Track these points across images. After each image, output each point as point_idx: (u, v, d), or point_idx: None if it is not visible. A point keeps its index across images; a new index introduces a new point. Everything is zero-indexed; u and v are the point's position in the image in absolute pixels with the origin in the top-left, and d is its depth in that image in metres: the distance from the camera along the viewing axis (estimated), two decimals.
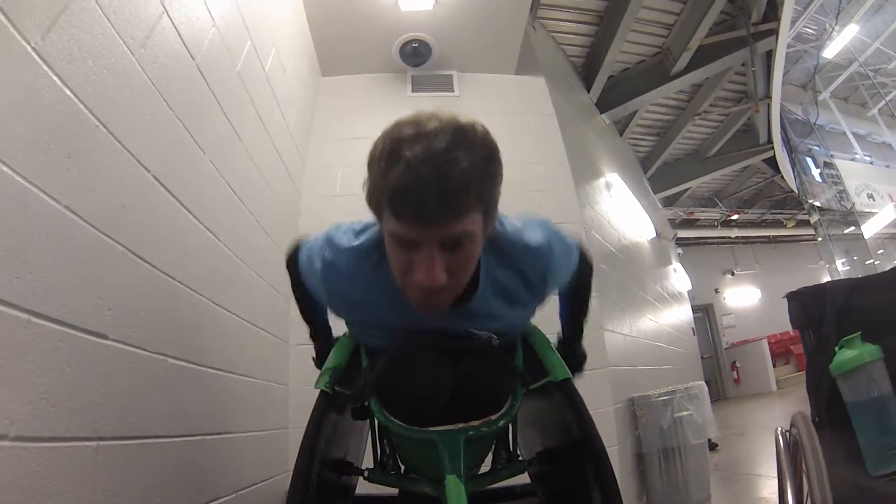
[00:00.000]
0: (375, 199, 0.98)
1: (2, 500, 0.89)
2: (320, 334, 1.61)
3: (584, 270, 1.41)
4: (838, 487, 1.40)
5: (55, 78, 1.09)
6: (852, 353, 1.67)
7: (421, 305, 1.05)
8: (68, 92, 1.12)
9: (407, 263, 0.99)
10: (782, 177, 9.37)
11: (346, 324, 1.42)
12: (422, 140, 0.90)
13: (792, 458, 1.69)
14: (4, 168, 0.94)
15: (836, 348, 1.71)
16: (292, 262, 1.38)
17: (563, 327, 1.56)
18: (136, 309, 1.35)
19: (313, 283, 1.26)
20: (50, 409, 1.02)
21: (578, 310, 1.52)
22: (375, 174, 0.96)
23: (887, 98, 10.27)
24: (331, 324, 1.61)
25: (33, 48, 1.02)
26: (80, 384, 1.12)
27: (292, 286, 1.45)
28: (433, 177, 0.89)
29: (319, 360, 1.60)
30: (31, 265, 1.00)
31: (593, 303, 3.01)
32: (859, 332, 1.68)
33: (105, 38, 1.27)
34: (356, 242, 1.16)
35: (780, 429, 1.82)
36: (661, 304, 5.87)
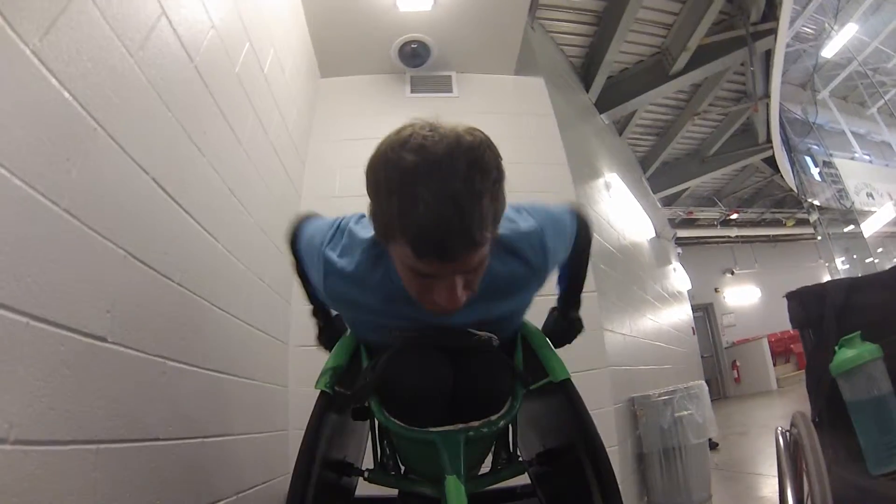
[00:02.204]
0: (388, 233, 0.96)
1: None
2: (321, 312, 1.60)
3: (581, 234, 1.41)
4: (838, 487, 1.41)
5: (54, 80, 1.08)
6: (852, 352, 1.67)
7: (436, 315, 1.07)
8: (67, 94, 1.12)
9: (424, 288, 1.00)
10: (781, 176, 9.38)
11: (347, 320, 1.42)
12: (435, 174, 0.87)
13: (792, 457, 1.69)
14: (3, 171, 0.93)
15: (836, 348, 1.71)
16: (294, 239, 1.38)
17: (559, 292, 1.57)
18: (135, 311, 1.35)
19: (311, 272, 1.27)
20: (49, 413, 1.02)
21: (575, 273, 1.51)
22: (387, 209, 0.92)
23: (886, 97, 10.27)
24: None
25: (32, 50, 1.02)
26: (79, 387, 1.11)
27: (293, 263, 1.44)
28: (456, 219, 0.87)
29: (321, 340, 1.62)
30: (30, 268, 1.00)
31: (593, 303, 3.02)
32: (859, 332, 1.68)
33: (103, 40, 1.27)
34: (359, 243, 1.15)
35: (780, 428, 1.83)
36: (660, 304, 5.87)
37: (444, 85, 3.71)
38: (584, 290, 1.55)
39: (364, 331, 1.39)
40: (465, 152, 0.89)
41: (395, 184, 0.89)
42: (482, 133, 0.95)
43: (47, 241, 1.05)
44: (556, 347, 1.45)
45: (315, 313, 1.60)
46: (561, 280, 1.53)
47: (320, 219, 1.35)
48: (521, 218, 1.21)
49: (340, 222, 1.22)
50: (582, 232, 1.40)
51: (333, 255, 1.16)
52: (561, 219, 1.30)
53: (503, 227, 1.13)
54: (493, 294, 1.17)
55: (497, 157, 0.95)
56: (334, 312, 1.61)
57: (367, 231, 1.15)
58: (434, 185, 0.87)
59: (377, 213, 0.97)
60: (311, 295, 1.51)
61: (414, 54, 3.58)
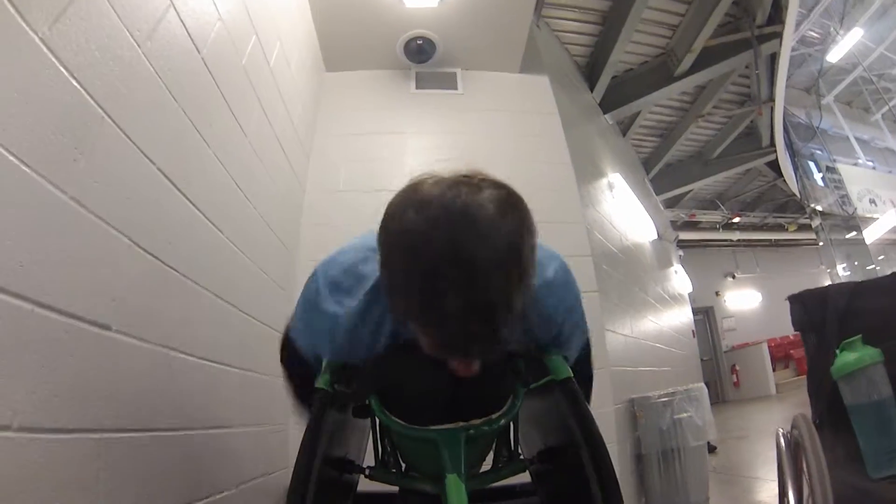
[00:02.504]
0: (406, 317, 0.88)
1: (5, 491, 0.89)
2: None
3: (584, 355, 1.39)
4: (839, 489, 1.41)
5: (62, 69, 1.09)
6: (853, 356, 1.67)
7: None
8: (75, 83, 1.12)
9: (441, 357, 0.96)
10: (784, 180, 9.36)
11: None
12: (461, 277, 0.78)
13: (793, 459, 1.69)
14: (11, 158, 0.94)
15: (838, 351, 1.72)
16: (285, 345, 1.35)
17: None
18: (140, 301, 1.35)
19: (315, 346, 1.22)
20: (53, 400, 1.02)
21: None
22: (405, 299, 0.85)
23: (891, 103, 10.25)
24: None
25: (41, 39, 1.02)
26: (83, 375, 1.12)
27: (288, 377, 1.41)
28: (486, 330, 0.81)
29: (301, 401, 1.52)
30: (36, 255, 1.00)
31: (595, 303, 3.01)
32: (860, 336, 1.68)
33: (112, 30, 1.27)
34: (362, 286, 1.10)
35: (781, 430, 1.83)
36: (661, 306, 5.87)
37: (449, 81, 3.71)
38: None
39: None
40: (503, 247, 0.80)
41: (416, 276, 0.81)
42: (518, 197, 0.87)
43: (53, 229, 1.06)
44: None
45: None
46: None
47: (304, 303, 1.24)
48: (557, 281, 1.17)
49: (330, 268, 1.16)
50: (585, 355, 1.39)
51: (339, 311, 1.11)
52: (579, 310, 1.28)
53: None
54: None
55: (533, 232, 0.86)
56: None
57: (371, 270, 1.07)
58: (461, 294, 0.78)
59: (392, 297, 0.89)
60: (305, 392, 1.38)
61: (419, 50, 3.57)
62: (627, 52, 5.50)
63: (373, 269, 1.02)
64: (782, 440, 1.78)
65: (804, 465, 1.52)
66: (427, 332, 0.87)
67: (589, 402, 1.37)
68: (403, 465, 1.50)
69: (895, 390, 1.63)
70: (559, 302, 1.20)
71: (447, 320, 0.80)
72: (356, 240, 1.20)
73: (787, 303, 2.07)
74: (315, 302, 1.15)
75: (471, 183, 0.84)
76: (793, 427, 1.70)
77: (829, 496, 1.35)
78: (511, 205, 0.84)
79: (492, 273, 0.79)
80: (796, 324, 2.02)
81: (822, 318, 1.86)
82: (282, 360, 1.40)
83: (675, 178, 8.67)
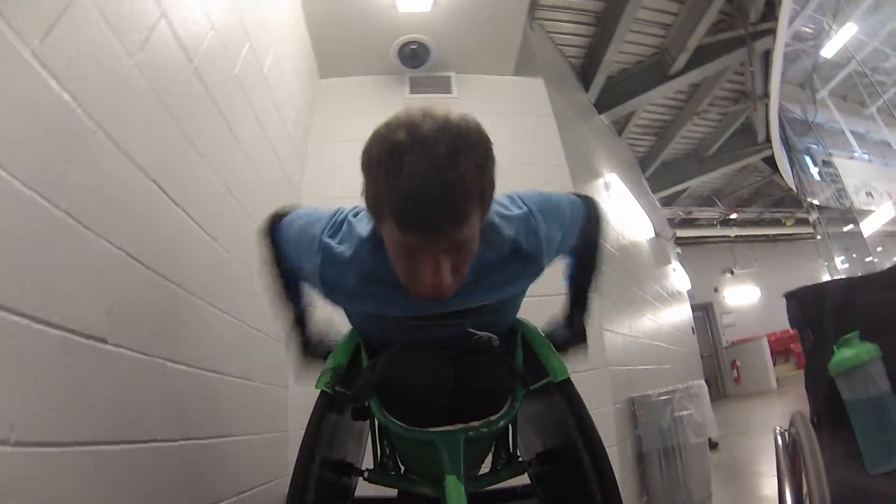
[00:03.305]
0: (376, 207, 0.97)
1: None
2: (301, 321, 1.56)
3: (590, 225, 1.39)
4: (837, 486, 1.41)
5: (53, 82, 1.09)
6: (851, 351, 1.67)
7: (425, 300, 1.05)
8: (66, 96, 1.13)
9: (412, 268, 0.99)
10: (781, 175, 9.37)
11: (346, 313, 1.42)
12: (420, 146, 0.89)
13: (791, 457, 1.69)
14: (2, 172, 0.94)
15: (835, 347, 1.72)
16: (270, 233, 1.35)
17: (565, 292, 1.54)
18: (135, 313, 1.35)
19: (302, 262, 1.23)
20: (50, 414, 1.02)
21: (581, 269, 1.49)
22: (375, 183, 0.94)
23: (885, 96, 10.26)
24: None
25: (32, 52, 1.02)
26: (79, 389, 1.12)
27: (267, 262, 1.39)
28: (438, 187, 0.87)
29: (308, 350, 1.58)
30: (30, 270, 1.00)
31: (594, 303, 3.00)
32: (857, 331, 1.68)
33: (103, 42, 1.27)
34: (357, 233, 1.14)
35: (778, 428, 1.83)
36: (660, 304, 5.87)
37: (443, 86, 3.72)
38: (592, 291, 1.52)
39: (361, 322, 1.38)
40: (451, 129, 0.91)
41: (384, 157, 0.91)
42: (474, 118, 0.97)
43: (47, 243, 1.05)
44: None
45: (295, 322, 1.55)
46: (567, 279, 1.51)
47: (310, 211, 1.32)
48: (514, 204, 1.20)
49: (339, 214, 1.21)
50: (591, 221, 1.39)
51: (333, 243, 1.15)
52: (558, 203, 1.29)
53: (494, 215, 1.13)
54: (482, 280, 1.16)
55: (486, 139, 0.97)
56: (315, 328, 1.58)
57: (365, 223, 1.14)
58: (419, 157, 0.88)
59: (367, 189, 0.98)
60: (290, 297, 1.48)
61: (413, 55, 3.58)
62: (622, 52, 5.52)
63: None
64: (780, 439, 1.78)
65: (802, 464, 1.53)
66: (389, 203, 0.92)
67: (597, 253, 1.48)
68: (402, 468, 1.50)
69: (893, 386, 1.63)
70: (553, 220, 1.23)
71: (404, 181, 0.88)
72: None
73: (785, 299, 2.07)
74: (316, 226, 1.20)
75: (439, 108, 0.97)
76: (790, 425, 1.70)
77: (827, 495, 1.36)
78: (469, 116, 0.97)
79: (443, 138, 0.90)
80: (793, 321, 2.02)
81: (818, 315, 1.86)
82: (268, 243, 1.37)
83: (671, 176, 8.68)
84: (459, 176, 0.89)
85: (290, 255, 1.30)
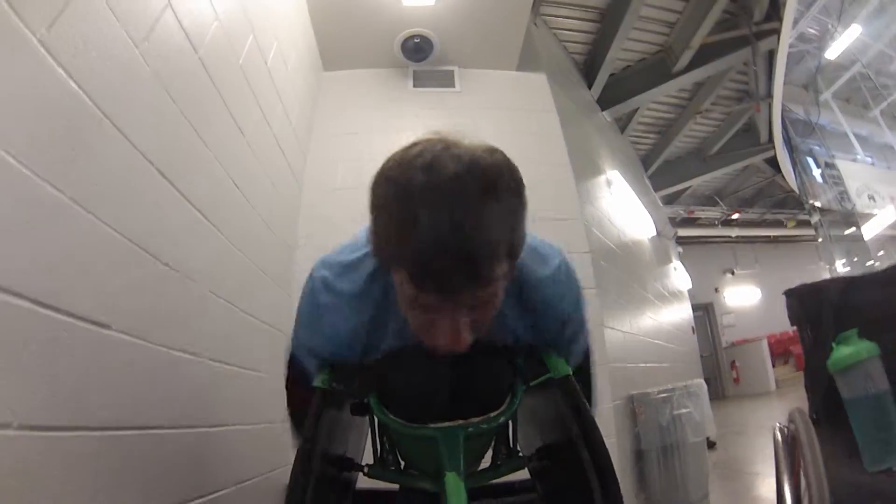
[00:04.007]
0: (388, 260, 0.88)
1: (5, 489, 0.90)
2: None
3: (585, 364, 1.36)
4: (835, 483, 1.41)
5: (60, 70, 1.09)
6: (849, 349, 1.68)
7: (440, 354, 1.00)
8: (73, 84, 1.13)
9: (426, 322, 0.92)
10: (783, 176, 9.37)
11: None
12: (441, 198, 0.77)
13: (789, 453, 1.70)
14: (10, 159, 0.94)
15: (834, 345, 1.72)
16: (289, 371, 1.35)
17: None
18: (138, 300, 1.36)
19: (310, 334, 1.22)
20: (53, 399, 1.03)
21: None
22: (385, 232, 0.84)
23: (889, 99, 10.25)
24: None
25: (39, 40, 1.03)
26: (83, 374, 1.12)
27: (289, 399, 1.44)
28: (461, 250, 0.77)
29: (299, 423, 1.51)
30: (35, 255, 1.00)
31: (593, 300, 3.01)
32: (856, 329, 1.69)
33: (109, 31, 1.27)
34: (357, 268, 1.10)
35: (778, 424, 1.83)
36: (661, 303, 5.87)
37: (446, 80, 3.72)
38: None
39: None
40: (479, 174, 0.79)
41: (395, 204, 0.81)
42: (503, 154, 0.86)
43: (53, 229, 1.06)
44: None
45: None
46: None
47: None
48: (549, 257, 1.15)
49: (323, 272, 1.15)
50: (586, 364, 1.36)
51: (329, 274, 1.12)
52: (576, 292, 1.24)
53: (531, 273, 1.08)
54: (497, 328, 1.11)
55: (518, 182, 0.85)
56: None
57: (368, 261, 1.08)
58: (437, 209, 0.77)
59: (374, 234, 0.88)
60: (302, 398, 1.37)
61: (417, 49, 3.58)
62: (625, 50, 5.51)
63: (368, 259, 1.05)
64: (779, 434, 1.78)
65: (801, 460, 1.53)
66: (403, 260, 0.83)
67: (592, 405, 1.37)
68: (402, 463, 1.50)
69: (892, 383, 1.63)
70: (565, 292, 1.20)
71: (420, 237, 0.78)
72: (351, 239, 1.21)
73: (784, 296, 2.07)
74: (315, 296, 1.16)
75: (462, 139, 0.86)
76: (789, 421, 1.71)
77: (826, 490, 1.36)
78: (498, 152, 0.85)
79: (467, 187, 0.78)
80: (793, 318, 2.03)
81: (818, 312, 1.87)
82: (286, 384, 1.39)
83: (673, 175, 8.68)
84: (486, 238, 0.79)
85: (308, 349, 1.26)
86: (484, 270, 0.81)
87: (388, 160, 0.85)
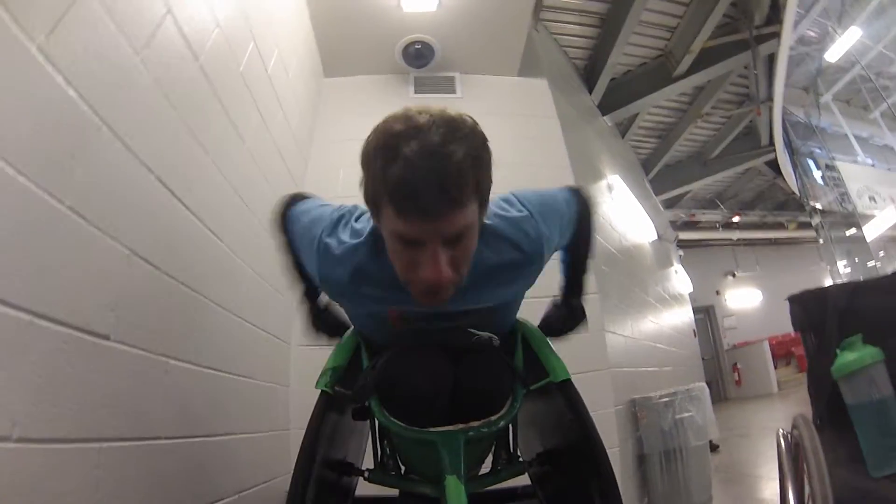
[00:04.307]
0: (374, 196, 0.99)
1: (5, 501, 0.89)
2: (310, 295, 1.56)
3: (583, 214, 1.39)
4: (839, 489, 1.41)
5: (59, 77, 1.09)
6: (854, 355, 1.67)
7: (425, 300, 1.05)
8: (72, 92, 1.12)
9: (410, 261, 1.00)
10: (784, 179, 9.37)
11: (349, 315, 1.42)
12: (416, 135, 0.92)
13: (793, 459, 1.69)
14: (7, 167, 0.94)
15: (838, 350, 1.71)
16: (282, 219, 1.38)
17: (561, 278, 1.54)
18: (138, 310, 1.35)
19: (305, 257, 1.26)
20: (52, 411, 1.02)
21: (577, 257, 1.49)
22: (373, 172, 0.97)
23: (889, 101, 10.25)
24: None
25: (38, 48, 1.02)
26: (82, 385, 1.12)
27: (282, 243, 1.42)
28: (433, 171, 0.90)
29: (316, 325, 1.59)
30: (34, 266, 1.00)
31: (596, 304, 3.01)
32: (860, 335, 1.68)
33: (109, 38, 1.27)
34: (356, 230, 1.16)
35: (781, 430, 1.83)
36: (662, 306, 5.87)
37: (447, 86, 3.72)
38: (587, 273, 1.52)
39: (362, 323, 1.39)
40: (446, 120, 0.95)
41: (381, 147, 0.95)
42: (471, 116, 1.01)
43: (51, 239, 1.05)
44: (556, 337, 1.45)
45: (305, 295, 1.56)
46: (563, 265, 1.51)
47: (316, 203, 1.37)
48: (513, 206, 1.20)
49: (342, 214, 1.22)
50: (583, 213, 1.39)
51: (333, 243, 1.16)
52: (555, 202, 1.29)
53: (493, 218, 1.14)
54: (485, 281, 1.16)
55: (481, 133, 1.00)
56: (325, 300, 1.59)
57: (365, 222, 1.16)
58: (413, 144, 0.91)
59: (365, 181, 1.01)
60: (301, 275, 1.48)
61: (418, 55, 3.58)
62: (626, 55, 5.52)
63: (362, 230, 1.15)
64: (782, 441, 1.78)
65: (804, 465, 1.53)
66: (386, 189, 0.94)
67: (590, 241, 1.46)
68: (403, 468, 1.50)
69: None
70: (551, 220, 1.24)
71: (400, 166, 0.91)
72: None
73: (788, 302, 2.07)
74: (318, 226, 1.21)
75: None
76: (793, 427, 1.70)
77: (830, 496, 1.36)
78: (467, 115, 1.00)
79: (438, 129, 0.93)
80: (796, 324, 2.02)
81: (821, 318, 1.86)
82: (280, 229, 1.41)
83: (674, 179, 8.69)
84: (453, 161, 0.92)
85: (295, 247, 1.33)
86: (455, 191, 0.92)
87: (377, 124, 1.01)
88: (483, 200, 1.02)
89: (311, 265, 1.21)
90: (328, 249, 1.15)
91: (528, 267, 1.21)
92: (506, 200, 1.22)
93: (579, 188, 1.43)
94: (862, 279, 5.75)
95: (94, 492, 1.12)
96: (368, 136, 1.00)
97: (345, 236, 1.16)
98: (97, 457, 1.15)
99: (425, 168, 0.90)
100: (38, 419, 0.98)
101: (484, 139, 1.00)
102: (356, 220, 1.19)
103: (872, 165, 10.57)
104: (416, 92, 3.67)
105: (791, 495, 1.59)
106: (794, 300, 2.03)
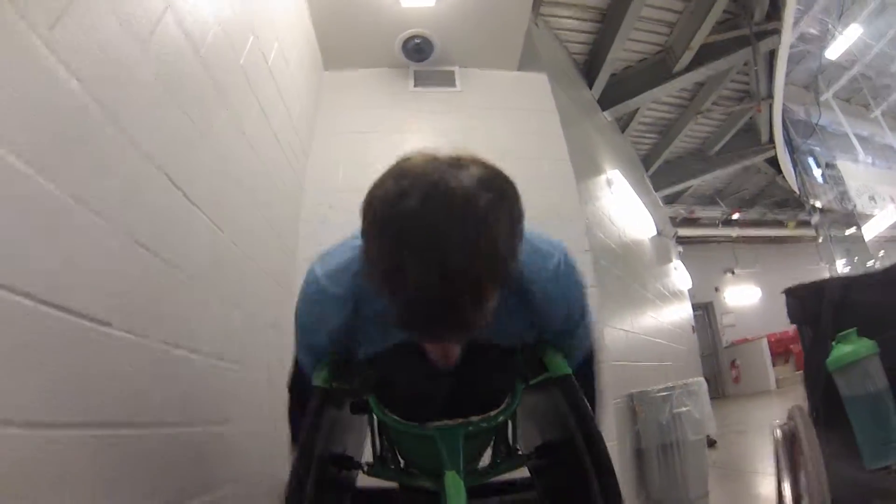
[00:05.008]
0: (377, 283, 0.84)
1: (8, 486, 0.90)
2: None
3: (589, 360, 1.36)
4: (835, 480, 1.42)
5: (62, 69, 1.09)
6: (848, 348, 1.68)
7: (433, 364, 1.04)
8: (75, 83, 1.13)
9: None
10: (784, 177, 9.36)
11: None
12: (428, 245, 0.75)
13: (789, 451, 1.70)
14: (10, 157, 0.95)
15: (833, 343, 1.72)
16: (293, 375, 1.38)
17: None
18: (140, 298, 1.37)
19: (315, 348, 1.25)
20: (56, 397, 1.03)
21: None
22: (374, 271, 0.82)
23: (890, 100, 10.25)
24: None
25: (41, 40, 1.03)
26: (85, 371, 1.13)
27: (291, 403, 1.46)
28: (446, 306, 0.77)
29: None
30: (37, 253, 1.01)
31: (594, 299, 3.01)
32: (855, 328, 1.69)
33: (111, 31, 1.27)
34: (341, 286, 1.13)
35: (777, 422, 1.84)
36: (661, 302, 5.87)
37: (447, 80, 3.72)
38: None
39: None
40: (469, 211, 0.77)
41: (383, 249, 0.80)
42: (504, 179, 0.84)
43: (54, 227, 1.07)
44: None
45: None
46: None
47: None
48: (548, 253, 1.15)
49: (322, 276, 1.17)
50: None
51: (321, 274, 1.15)
52: (578, 286, 1.25)
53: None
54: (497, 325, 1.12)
55: (512, 210, 0.83)
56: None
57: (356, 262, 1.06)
58: (425, 259, 0.75)
59: (366, 264, 0.86)
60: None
61: (417, 49, 3.59)
62: (626, 50, 5.52)
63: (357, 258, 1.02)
64: (778, 432, 1.79)
65: (800, 457, 1.54)
66: (392, 305, 0.82)
67: (595, 406, 1.37)
68: (402, 462, 1.50)
69: (891, 382, 1.63)
70: (566, 289, 1.21)
71: (408, 292, 0.77)
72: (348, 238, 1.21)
73: (784, 295, 2.08)
74: (308, 294, 1.21)
75: (457, 161, 0.84)
76: (789, 419, 1.71)
77: (825, 487, 1.37)
78: (492, 183, 0.82)
79: (458, 248, 0.75)
80: (792, 317, 2.03)
81: (817, 311, 1.87)
82: (288, 386, 1.42)
83: (674, 175, 8.68)
84: (475, 287, 0.78)
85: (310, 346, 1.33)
86: (471, 323, 0.80)
87: (378, 187, 0.83)
88: (508, 279, 0.86)
89: (310, 334, 1.25)
90: (319, 303, 1.16)
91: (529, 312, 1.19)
92: (545, 242, 1.16)
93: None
94: (857, 274, 5.77)
95: (96, 477, 1.13)
96: (368, 208, 0.82)
97: (333, 287, 1.14)
98: (98, 443, 1.16)
99: (435, 300, 0.76)
100: (41, 405, 0.99)
101: (515, 214, 0.83)
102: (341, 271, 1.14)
103: (872, 164, 10.58)
104: (415, 86, 3.68)
105: (787, 487, 1.61)
106: (790, 293, 2.03)
